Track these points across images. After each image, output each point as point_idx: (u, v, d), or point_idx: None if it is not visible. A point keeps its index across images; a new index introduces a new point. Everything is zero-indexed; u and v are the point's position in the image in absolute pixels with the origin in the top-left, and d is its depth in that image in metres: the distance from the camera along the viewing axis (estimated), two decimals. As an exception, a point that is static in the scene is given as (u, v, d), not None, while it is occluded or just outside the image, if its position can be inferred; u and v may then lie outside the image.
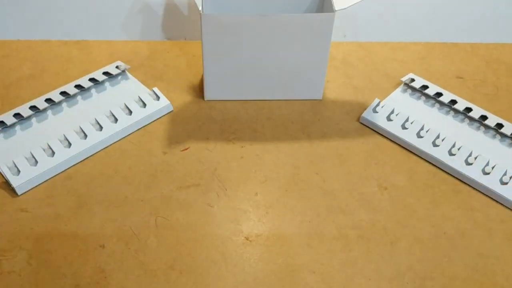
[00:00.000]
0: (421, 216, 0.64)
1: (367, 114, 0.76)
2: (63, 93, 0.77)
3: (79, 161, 0.70)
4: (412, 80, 0.82)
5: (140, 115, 0.76)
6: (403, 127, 0.74)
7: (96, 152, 0.72)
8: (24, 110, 0.74)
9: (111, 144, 0.73)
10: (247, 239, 0.61)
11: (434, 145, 0.72)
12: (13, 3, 0.90)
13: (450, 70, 0.87)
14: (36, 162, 0.68)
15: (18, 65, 0.86)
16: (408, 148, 0.73)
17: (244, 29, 0.70)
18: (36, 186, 0.67)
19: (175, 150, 0.72)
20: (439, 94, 0.79)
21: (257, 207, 0.65)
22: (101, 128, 0.73)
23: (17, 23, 0.92)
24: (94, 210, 0.64)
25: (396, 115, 0.76)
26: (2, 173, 0.67)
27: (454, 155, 0.71)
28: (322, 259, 0.59)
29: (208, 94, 0.79)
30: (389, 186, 0.68)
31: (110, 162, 0.70)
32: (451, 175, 0.70)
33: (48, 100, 0.76)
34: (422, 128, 0.74)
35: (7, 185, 0.66)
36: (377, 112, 0.76)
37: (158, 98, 0.78)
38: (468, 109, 0.77)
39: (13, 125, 0.73)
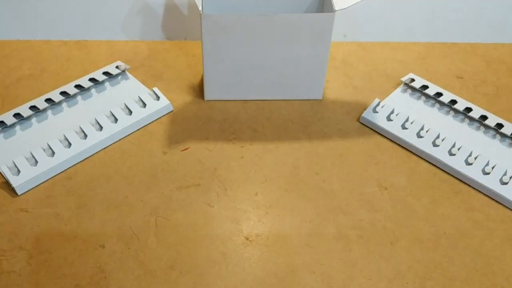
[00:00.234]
0: (421, 216, 0.64)
1: (367, 114, 0.76)
2: (63, 93, 0.77)
3: (79, 161, 0.70)
4: (412, 80, 0.82)
5: (140, 115, 0.76)
6: (403, 127, 0.74)
7: (96, 152, 0.72)
8: (24, 110, 0.74)
9: (111, 144, 0.73)
10: (247, 239, 0.61)
11: (434, 145, 0.72)
12: (13, 3, 0.90)
13: (450, 70, 0.87)
14: (36, 162, 0.68)
15: (18, 65, 0.86)
16: (408, 148, 0.73)
17: (244, 29, 0.70)
18: (36, 186, 0.67)
19: (175, 150, 0.72)
20: (439, 94, 0.79)
21: (257, 207, 0.65)
22: (101, 128, 0.73)
23: (17, 23, 0.92)
24: (94, 210, 0.64)
25: (396, 115, 0.76)
26: (2, 173, 0.67)
27: (454, 155, 0.71)
28: (322, 259, 0.59)
29: (208, 94, 0.79)
30: (389, 186, 0.68)
31: (110, 162, 0.70)
32: (451, 175, 0.70)
33: (48, 100, 0.76)
34: (422, 128, 0.74)
35: (7, 185, 0.66)
36: (377, 112, 0.76)
37: (158, 98, 0.78)
38: (468, 109, 0.77)
39: (13, 125, 0.73)
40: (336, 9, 0.69)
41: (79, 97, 0.79)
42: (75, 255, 0.58)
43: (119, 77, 0.83)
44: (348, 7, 0.69)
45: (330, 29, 0.71)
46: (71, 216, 0.63)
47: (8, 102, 0.78)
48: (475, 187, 0.68)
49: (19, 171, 0.66)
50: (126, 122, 0.74)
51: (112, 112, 0.75)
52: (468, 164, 0.69)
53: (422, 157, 0.72)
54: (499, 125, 0.74)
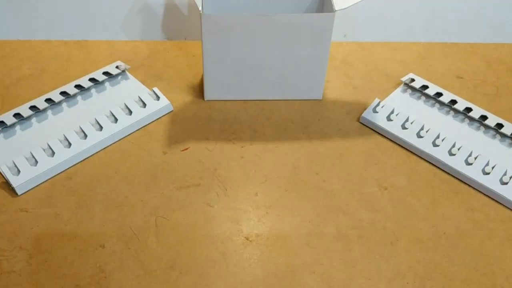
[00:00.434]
0: (421, 216, 0.64)
1: (367, 114, 0.76)
2: (63, 93, 0.77)
3: (79, 161, 0.70)
4: (412, 80, 0.82)
5: (140, 115, 0.76)
6: (403, 127, 0.74)
7: (96, 152, 0.72)
8: (24, 110, 0.74)
9: (111, 144, 0.73)
10: (247, 239, 0.61)
11: (434, 145, 0.72)
12: (13, 3, 0.90)
13: (450, 70, 0.87)
14: (36, 162, 0.68)
15: (18, 65, 0.86)
16: (408, 148, 0.73)
17: (244, 29, 0.70)
18: (36, 186, 0.67)
19: (175, 150, 0.72)
20: (439, 94, 0.79)
21: (257, 207, 0.65)
22: (101, 128, 0.73)
23: (17, 23, 0.92)
24: (94, 210, 0.64)
25: (396, 115, 0.76)
26: (2, 173, 0.67)
27: (454, 155, 0.71)
28: (322, 259, 0.59)
29: (208, 94, 0.79)
30: (389, 186, 0.68)
31: (110, 162, 0.70)
32: (451, 175, 0.70)
33: (48, 100, 0.76)
34: (422, 128, 0.74)
35: (7, 185, 0.66)
36: (377, 112, 0.76)
37: (158, 98, 0.78)
38: (468, 109, 0.77)
39: (13, 125, 0.73)
40: (336, 9, 0.69)
41: (79, 97, 0.79)
42: (75, 255, 0.58)
43: (119, 77, 0.83)
44: (348, 7, 0.69)
45: (330, 29, 0.71)
46: (71, 216, 0.63)
47: (8, 102, 0.78)
48: (475, 187, 0.68)
49: (19, 171, 0.66)
50: (126, 122, 0.74)
51: (112, 112, 0.75)
52: (468, 164, 0.69)
53: (422, 157, 0.72)
54: (499, 125, 0.74)
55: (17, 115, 0.74)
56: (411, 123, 0.75)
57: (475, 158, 0.70)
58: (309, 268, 0.58)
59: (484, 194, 0.67)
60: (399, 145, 0.74)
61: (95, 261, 0.58)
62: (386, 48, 0.92)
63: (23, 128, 0.74)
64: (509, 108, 0.80)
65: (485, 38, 0.94)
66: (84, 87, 0.79)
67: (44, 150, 0.70)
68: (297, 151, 0.72)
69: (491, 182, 0.67)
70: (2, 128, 0.72)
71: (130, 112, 0.76)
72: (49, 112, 0.76)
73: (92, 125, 0.73)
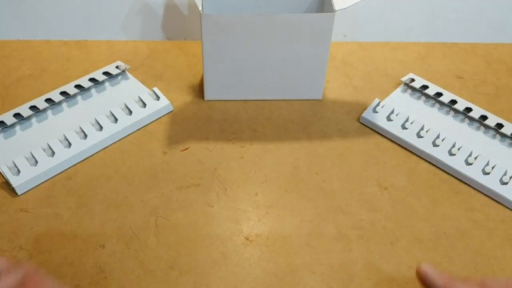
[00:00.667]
0: (421, 216, 0.64)
1: (367, 114, 0.76)
2: (63, 93, 0.77)
3: (79, 161, 0.70)
4: (412, 80, 0.82)
5: (140, 115, 0.76)
6: (403, 127, 0.74)
7: (96, 152, 0.72)
8: (24, 110, 0.74)
9: (111, 144, 0.73)
10: (247, 239, 0.61)
11: (434, 145, 0.72)
12: (13, 3, 0.90)
13: (450, 70, 0.87)
14: (36, 162, 0.68)
15: (18, 65, 0.86)
16: (408, 148, 0.73)
17: (244, 29, 0.70)
18: (36, 186, 0.67)
19: (175, 150, 0.72)
20: (439, 94, 0.79)
21: (257, 207, 0.65)
22: (101, 128, 0.73)
23: (17, 23, 0.92)
24: (94, 210, 0.64)
25: (396, 115, 0.76)
26: (2, 173, 0.67)
27: (454, 155, 0.71)
28: (322, 259, 0.59)
29: (208, 94, 0.79)
30: (389, 186, 0.68)
31: (110, 162, 0.70)
32: (451, 175, 0.70)
33: (48, 100, 0.76)
34: (422, 128, 0.74)
35: (7, 185, 0.66)
36: (377, 112, 0.76)
37: (158, 98, 0.78)
38: (468, 109, 0.77)
39: (13, 125, 0.73)
40: (336, 9, 0.69)
41: (79, 97, 0.79)
42: (75, 255, 0.58)
43: (119, 77, 0.83)
44: (348, 7, 0.69)
45: (330, 29, 0.71)
46: (71, 216, 0.63)
47: (8, 102, 0.78)
48: (475, 187, 0.68)
49: (19, 171, 0.66)
50: (126, 122, 0.74)
51: (112, 112, 0.75)
52: (468, 164, 0.69)
53: (422, 157, 0.72)
54: (499, 125, 0.74)
55: (17, 115, 0.74)
56: (411, 123, 0.75)
57: (475, 158, 0.70)
58: (309, 268, 0.58)
59: (484, 194, 0.67)
60: (399, 145, 0.74)
61: (95, 261, 0.58)
62: (386, 48, 0.92)
63: (23, 128, 0.74)
64: (509, 108, 0.80)
65: (485, 38, 0.94)
66: (84, 87, 0.79)
67: (44, 150, 0.70)
68: (297, 151, 0.72)
69: (491, 182, 0.67)
70: (2, 128, 0.72)
71: (130, 112, 0.76)
72: (49, 112, 0.76)
73: (92, 125, 0.73)
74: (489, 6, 0.93)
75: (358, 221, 0.63)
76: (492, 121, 0.75)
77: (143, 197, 0.66)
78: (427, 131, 0.74)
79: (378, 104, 0.77)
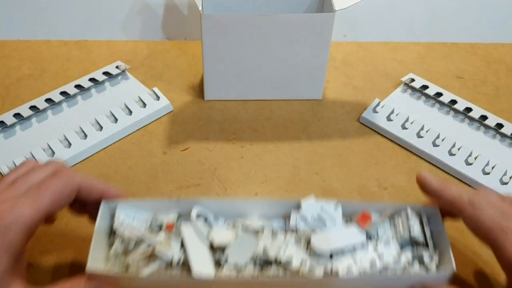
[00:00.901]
0: (421, 216, 0.64)
1: (367, 114, 0.76)
2: (63, 93, 0.77)
3: (79, 161, 0.70)
4: (412, 80, 0.82)
5: (140, 115, 0.76)
6: (403, 127, 0.74)
7: (96, 152, 0.72)
8: (24, 110, 0.74)
9: (111, 144, 0.73)
10: None
11: (434, 145, 0.72)
12: (13, 3, 0.90)
13: (450, 70, 0.87)
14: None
15: (18, 65, 0.86)
16: (408, 148, 0.73)
17: (244, 29, 0.70)
18: (36, 186, 0.67)
19: (175, 150, 0.72)
20: (439, 94, 0.79)
21: (257, 207, 0.65)
22: (101, 128, 0.73)
23: (17, 23, 0.92)
24: (94, 210, 0.64)
25: (396, 115, 0.76)
26: (2, 173, 0.67)
27: (454, 155, 0.71)
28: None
29: (208, 94, 0.79)
30: (389, 186, 0.68)
31: (110, 162, 0.70)
32: (451, 175, 0.70)
33: (48, 100, 0.76)
34: (422, 128, 0.74)
35: (7, 185, 0.66)
36: (377, 112, 0.76)
37: (158, 98, 0.78)
38: (468, 109, 0.77)
39: (13, 125, 0.73)
40: (336, 9, 0.69)
41: (79, 97, 0.79)
42: (75, 255, 0.58)
43: (119, 77, 0.83)
44: (348, 7, 0.69)
45: (330, 29, 0.71)
46: (71, 216, 0.63)
47: (8, 102, 0.78)
48: (475, 187, 0.68)
49: (19, 171, 0.66)
50: (126, 122, 0.74)
51: (112, 112, 0.75)
52: (468, 164, 0.69)
53: (422, 157, 0.72)
54: (499, 125, 0.74)
55: (17, 115, 0.74)
56: (411, 123, 0.75)
57: (475, 158, 0.70)
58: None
59: (484, 194, 0.67)
60: (399, 145, 0.74)
61: (95, 261, 0.58)
62: (386, 48, 0.92)
63: (23, 128, 0.74)
64: (509, 108, 0.80)
65: (485, 38, 0.94)
66: (84, 87, 0.79)
67: (44, 150, 0.70)
68: (297, 151, 0.72)
69: (491, 182, 0.67)
70: (2, 128, 0.72)
71: (130, 112, 0.76)
72: (49, 112, 0.76)
73: (92, 125, 0.73)
74: (489, 6, 0.93)
75: (358, 221, 0.63)
76: (492, 121, 0.75)
77: (143, 197, 0.65)
78: (427, 131, 0.74)
79: (378, 104, 0.77)
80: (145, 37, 0.93)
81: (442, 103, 0.79)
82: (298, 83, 0.78)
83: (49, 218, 0.53)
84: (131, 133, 0.74)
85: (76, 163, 0.70)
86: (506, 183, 0.67)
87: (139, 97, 0.78)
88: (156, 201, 0.52)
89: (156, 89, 0.79)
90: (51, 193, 0.45)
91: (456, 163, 0.70)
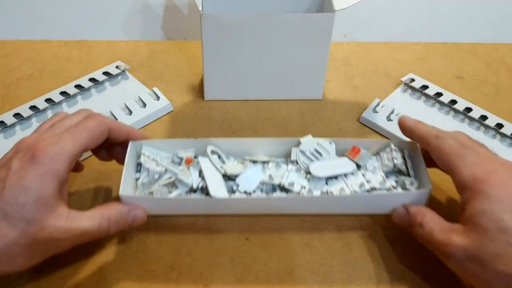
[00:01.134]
0: (421, 216, 0.64)
1: (367, 114, 0.76)
2: (63, 93, 0.78)
3: (79, 161, 0.70)
4: (412, 80, 0.82)
5: (140, 115, 0.76)
6: (403, 127, 0.74)
7: (96, 152, 0.72)
8: (24, 110, 0.74)
9: (111, 144, 0.73)
10: (247, 239, 0.61)
11: (434, 145, 0.72)
12: (13, 3, 0.90)
13: (450, 70, 0.88)
14: (36, 162, 0.68)
15: (18, 65, 0.86)
16: (408, 148, 0.73)
17: (244, 29, 0.70)
18: (36, 186, 0.67)
19: (175, 150, 0.72)
20: (439, 94, 0.79)
21: (257, 207, 0.65)
22: (101, 128, 0.73)
23: (17, 23, 0.92)
24: (94, 210, 0.64)
25: (396, 115, 0.76)
26: (2, 173, 0.67)
27: (454, 155, 0.71)
28: (322, 259, 0.59)
29: (208, 94, 0.79)
30: (389, 186, 0.68)
31: (110, 162, 0.70)
32: (451, 175, 0.70)
33: (48, 100, 0.77)
34: (422, 128, 0.74)
35: (7, 185, 0.66)
36: (377, 112, 0.76)
37: (158, 98, 0.78)
38: (468, 109, 0.77)
39: (13, 125, 0.73)
40: (336, 9, 0.69)
41: (79, 97, 0.79)
42: (75, 255, 0.58)
43: (119, 77, 0.83)
44: (348, 7, 0.69)
45: (330, 29, 0.71)
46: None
47: (8, 102, 0.78)
48: (475, 187, 0.68)
49: (19, 171, 0.66)
50: (126, 122, 0.74)
51: (112, 112, 0.75)
52: (468, 164, 0.69)
53: (422, 157, 0.72)
54: (499, 125, 0.74)
55: (17, 115, 0.74)
56: (411, 123, 0.75)
57: (475, 158, 0.70)
58: (309, 268, 0.58)
59: (484, 194, 0.67)
60: (399, 145, 0.74)
61: (95, 261, 0.58)
62: (386, 48, 0.92)
63: (23, 128, 0.74)
64: (509, 108, 0.80)
65: (485, 38, 0.94)
66: (84, 87, 0.79)
67: (44, 150, 0.69)
68: (297, 151, 0.72)
69: (491, 182, 0.67)
70: (2, 128, 0.72)
71: (130, 112, 0.76)
72: (49, 112, 0.76)
73: (92, 125, 0.73)
74: (489, 6, 0.93)
75: (358, 221, 0.63)
76: (492, 121, 0.75)
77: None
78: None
79: (378, 104, 0.77)
80: (145, 37, 0.93)
81: (442, 103, 0.79)
82: (298, 83, 0.78)
83: (77, 166, 0.61)
84: (131, 133, 0.74)
85: (76, 163, 0.70)
86: (506, 183, 0.67)
87: (139, 97, 0.78)
88: (176, 141, 0.61)
89: (156, 89, 0.79)
90: (88, 131, 0.52)
91: (456, 163, 0.70)
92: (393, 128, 0.74)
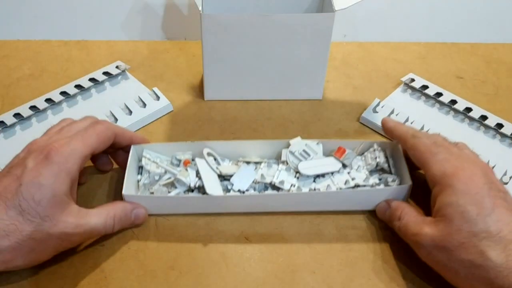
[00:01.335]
0: (421, 216, 0.64)
1: (367, 114, 0.76)
2: (63, 93, 0.78)
3: (79, 161, 0.70)
4: (412, 80, 0.82)
5: (140, 115, 0.76)
6: (403, 127, 0.75)
7: (96, 152, 0.72)
8: (24, 110, 0.74)
9: (111, 144, 0.73)
10: (247, 239, 0.61)
11: (434, 145, 0.72)
12: (13, 3, 0.90)
13: (450, 70, 0.88)
14: (36, 162, 0.68)
15: (18, 65, 0.86)
16: (408, 148, 0.73)
17: (244, 29, 0.70)
18: (36, 186, 0.67)
19: (175, 150, 0.72)
20: (439, 94, 0.79)
21: (257, 207, 0.65)
22: (101, 128, 0.73)
23: (17, 23, 0.92)
24: (94, 210, 0.64)
25: (396, 115, 0.76)
26: (2, 173, 0.67)
27: (454, 155, 0.71)
28: (322, 259, 0.59)
29: (208, 94, 0.79)
30: (389, 186, 0.68)
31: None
32: (451, 175, 0.70)
33: (48, 100, 0.77)
34: (422, 128, 0.74)
35: (7, 185, 0.66)
36: (377, 112, 0.76)
37: (158, 98, 0.78)
38: (468, 109, 0.77)
39: (13, 125, 0.73)
40: (336, 9, 0.69)
41: (79, 97, 0.79)
42: (75, 255, 0.58)
43: (119, 77, 0.83)
44: (348, 7, 0.69)
45: (330, 29, 0.71)
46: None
47: (8, 102, 0.78)
48: (475, 187, 0.68)
49: (19, 171, 0.66)
50: (126, 122, 0.74)
51: (112, 112, 0.75)
52: (468, 164, 0.69)
53: (422, 157, 0.72)
54: (499, 125, 0.74)
55: (17, 115, 0.74)
56: (411, 123, 0.75)
57: (475, 158, 0.70)
58: (309, 268, 0.58)
59: (484, 194, 0.67)
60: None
61: (95, 261, 0.58)
62: (386, 48, 0.92)
63: (23, 128, 0.74)
64: (509, 108, 0.80)
65: (485, 38, 0.94)
66: (84, 87, 0.79)
67: (44, 150, 0.69)
68: (297, 151, 0.72)
69: (491, 182, 0.67)
70: (2, 128, 0.72)
71: (130, 112, 0.76)
72: (49, 112, 0.76)
73: (92, 125, 0.73)
74: (489, 6, 0.93)
75: (358, 221, 0.63)
76: (492, 121, 0.75)
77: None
78: (427, 131, 0.74)
79: (378, 104, 0.77)
80: (145, 37, 0.93)
81: (442, 103, 0.79)
82: (298, 83, 0.78)
83: (81, 178, 0.64)
84: (131, 133, 0.74)
85: (76, 163, 0.70)
86: (506, 183, 0.67)
87: (139, 97, 0.78)
88: (174, 144, 0.65)
89: (156, 89, 0.79)
90: (97, 135, 0.56)
91: (456, 163, 0.70)
92: (393, 128, 0.74)
